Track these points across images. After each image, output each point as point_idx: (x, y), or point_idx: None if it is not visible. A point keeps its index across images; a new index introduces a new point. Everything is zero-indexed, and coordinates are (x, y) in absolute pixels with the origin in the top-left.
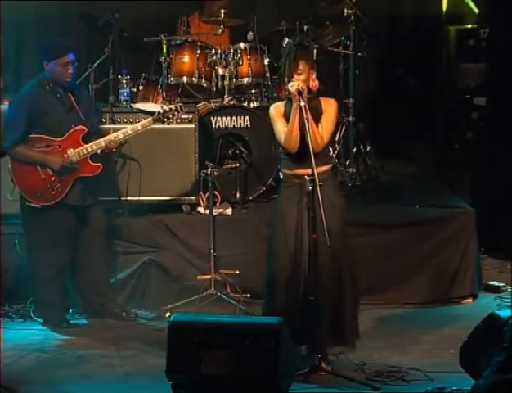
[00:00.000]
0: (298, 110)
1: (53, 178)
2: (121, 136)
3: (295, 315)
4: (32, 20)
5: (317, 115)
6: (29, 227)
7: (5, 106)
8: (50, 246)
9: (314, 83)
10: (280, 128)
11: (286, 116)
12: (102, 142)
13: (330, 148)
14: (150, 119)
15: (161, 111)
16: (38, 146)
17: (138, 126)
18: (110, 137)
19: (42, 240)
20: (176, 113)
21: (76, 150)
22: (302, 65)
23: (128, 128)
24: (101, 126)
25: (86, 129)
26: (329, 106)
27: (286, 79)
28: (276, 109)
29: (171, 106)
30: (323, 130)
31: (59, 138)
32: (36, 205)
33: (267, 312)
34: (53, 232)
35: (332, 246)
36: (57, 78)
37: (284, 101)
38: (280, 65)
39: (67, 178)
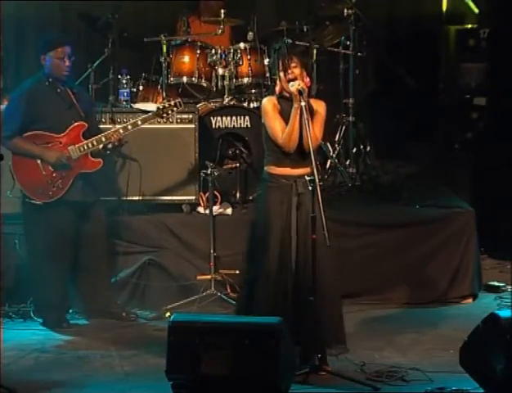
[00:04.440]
0: (298, 111)
1: (54, 175)
2: (121, 131)
3: (284, 316)
4: (32, 20)
5: (312, 115)
6: (29, 225)
7: (5, 105)
8: (51, 245)
9: (306, 80)
10: (278, 127)
11: (282, 113)
12: (103, 137)
13: (330, 148)
14: (150, 114)
15: (161, 107)
16: (38, 142)
17: (138, 121)
18: (111, 132)
19: (43, 239)
20: (175, 108)
21: (77, 146)
22: (294, 62)
23: (129, 124)
24: (101, 126)
25: (86, 125)
26: (320, 107)
27: (282, 75)
28: (270, 103)
29: (170, 102)
30: (317, 131)
31: (60, 135)
32: (37, 202)
33: (255, 312)
34: (54, 231)
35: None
36: (55, 71)
37: (274, 96)
38: (271, 63)
39: (68, 174)
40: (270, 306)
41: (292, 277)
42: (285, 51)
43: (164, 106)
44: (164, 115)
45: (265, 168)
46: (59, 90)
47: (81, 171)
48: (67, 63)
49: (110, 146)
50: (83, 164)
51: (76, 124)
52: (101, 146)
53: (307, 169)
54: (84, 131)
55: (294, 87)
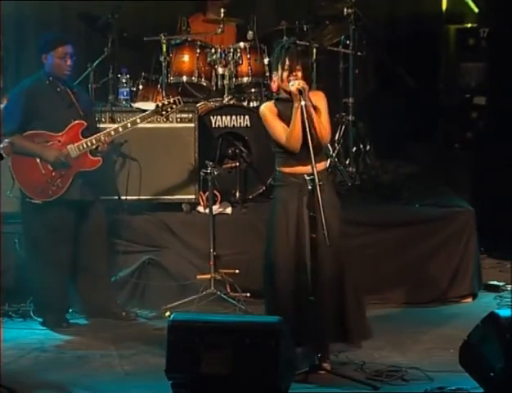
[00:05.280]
0: (299, 110)
1: (53, 174)
2: (120, 129)
3: (299, 316)
4: (32, 20)
5: (314, 110)
6: (29, 224)
7: (4, 104)
8: (50, 244)
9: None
10: (280, 129)
11: (280, 116)
12: (102, 136)
13: (330, 147)
14: (149, 111)
15: (160, 104)
16: (37, 141)
17: (138, 119)
18: (110, 130)
19: (43, 238)
20: (174, 106)
21: (76, 144)
22: (299, 65)
23: (128, 122)
24: (101, 126)
25: (85, 124)
26: (319, 99)
27: (285, 75)
28: (268, 109)
29: (170, 100)
30: (324, 122)
31: (59, 133)
32: (37, 202)
33: (270, 313)
34: (53, 230)
35: (332, 245)
36: (56, 70)
37: (272, 101)
38: (275, 59)
39: (68, 173)
40: (286, 305)
41: (306, 277)
42: (294, 52)
43: (164, 104)
44: (164, 112)
45: (276, 168)
46: (59, 89)
47: (80, 170)
48: (68, 62)
49: (105, 147)
50: (83, 162)
51: (75, 122)
52: (99, 144)
53: (318, 165)
54: (83, 130)
55: (294, 86)
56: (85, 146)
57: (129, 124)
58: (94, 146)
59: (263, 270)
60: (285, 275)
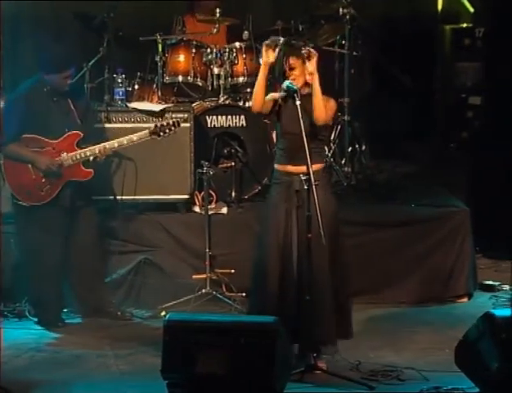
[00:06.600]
0: (266, 67)
1: (43, 180)
2: (116, 145)
3: (288, 314)
4: (28, 19)
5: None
6: (21, 225)
7: (3, 106)
8: (42, 244)
9: (310, 77)
10: (257, 89)
11: (281, 107)
12: (96, 149)
13: (326, 147)
14: (147, 131)
15: (158, 125)
16: (32, 146)
17: (134, 137)
18: (105, 145)
19: (35, 239)
20: (173, 128)
21: (70, 154)
22: (293, 61)
23: (124, 139)
24: (97, 125)
25: (81, 135)
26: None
27: (277, 76)
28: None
29: (168, 121)
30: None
31: (54, 141)
32: (25, 204)
33: (256, 311)
34: (45, 231)
35: (327, 246)
36: (56, 86)
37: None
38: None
39: (57, 181)
40: (273, 305)
41: (294, 277)
42: (282, 53)
43: (162, 125)
44: (161, 133)
45: (274, 165)
46: (55, 98)
47: (71, 179)
48: (69, 81)
49: (99, 159)
50: (75, 172)
51: (72, 132)
52: (92, 157)
53: (314, 166)
54: (79, 140)
55: (284, 83)
56: (78, 157)
57: (125, 141)
58: (87, 158)
59: (253, 268)
60: (273, 272)
